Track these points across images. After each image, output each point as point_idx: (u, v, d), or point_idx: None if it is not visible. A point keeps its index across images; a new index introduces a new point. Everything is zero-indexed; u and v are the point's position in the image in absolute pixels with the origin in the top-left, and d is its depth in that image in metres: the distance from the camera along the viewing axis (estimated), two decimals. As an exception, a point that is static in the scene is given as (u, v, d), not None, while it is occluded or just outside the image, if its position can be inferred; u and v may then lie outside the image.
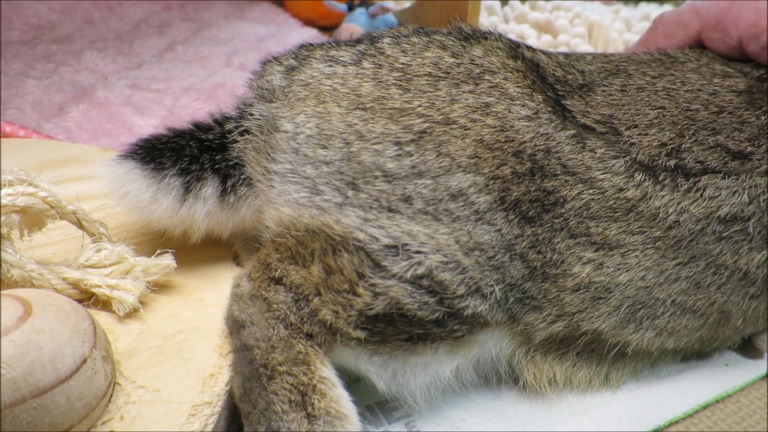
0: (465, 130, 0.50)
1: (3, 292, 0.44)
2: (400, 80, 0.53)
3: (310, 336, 0.47)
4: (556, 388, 0.55)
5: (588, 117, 0.54)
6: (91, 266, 0.55)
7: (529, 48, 0.61)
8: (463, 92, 0.53)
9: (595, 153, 0.52)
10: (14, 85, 1.14)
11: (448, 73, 0.54)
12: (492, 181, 0.49)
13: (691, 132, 0.54)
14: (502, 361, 0.55)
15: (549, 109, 0.54)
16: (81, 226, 0.56)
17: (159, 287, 0.56)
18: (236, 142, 0.56)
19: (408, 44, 0.57)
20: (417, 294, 0.46)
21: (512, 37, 0.64)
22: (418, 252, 0.47)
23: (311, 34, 1.54)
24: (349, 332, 0.46)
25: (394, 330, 0.47)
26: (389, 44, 0.58)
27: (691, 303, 0.53)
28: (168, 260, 0.56)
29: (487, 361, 0.54)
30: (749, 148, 0.54)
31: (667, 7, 1.78)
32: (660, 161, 0.52)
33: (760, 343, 0.63)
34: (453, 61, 0.55)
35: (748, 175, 0.53)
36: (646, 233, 0.52)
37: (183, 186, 0.54)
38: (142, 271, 0.55)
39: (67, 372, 0.41)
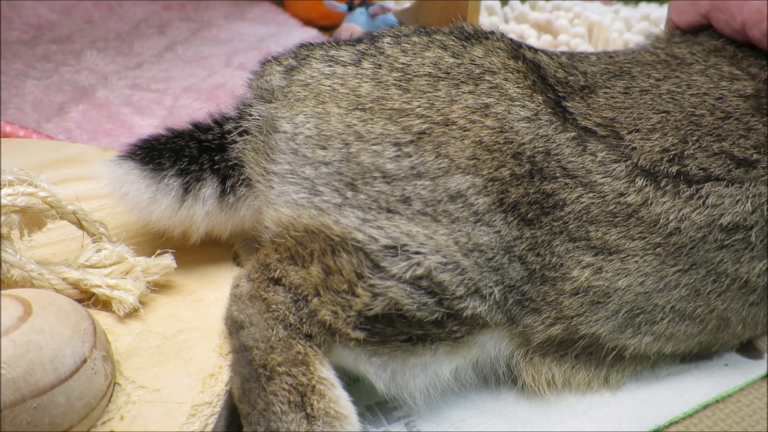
0: (464, 131, 0.50)
1: (3, 292, 0.44)
2: (399, 80, 0.53)
3: (309, 336, 0.47)
4: (555, 389, 0.55)
5: (589, 120, 0.54)
6: (91, 266, 0.55)
7: (530, 48, 0.61)
8: (463, 93, 0.52)
9: (596, 156, 0.52)
10: (14, 85, 1.14)
11: (448, 73, 0.54)
12: (491, 183, 0.49)
13: (695, 138, 0.53)
14: (501, 363, 0.55)
15: (549, 110, 0.53)
16: (81, 226, 0.56)
17: (159, 287, 0.57)
18: (235, 142, 0.56)
19: (408, 44, 0.57)
20: (416, 295, 0.46)
21: (512, 37, 0.64)
22: (417, 253, 0.47)
23: (311, 34, 1.54)
24: (348, 333, 0.46)
25: (393, 331, 0.47)
26: (389, 44, 0.57)
27: (691, 310, 0.53)
28: (168, 260, 0.56)
29: (486, 362, 0.54)
30: (755, 156, 0.53)
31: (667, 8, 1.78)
32: (662, 167, 0.52)
33: (760, 344, 0.63)
34: (453, 61, 0.55)
35: (752, 184, 0.53)
36: (647, 239, 0.51)
37: (182, 186, 0.54)
38: (142, 271, 0.55)
39: (67, 372, 0.41)
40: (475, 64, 0.55)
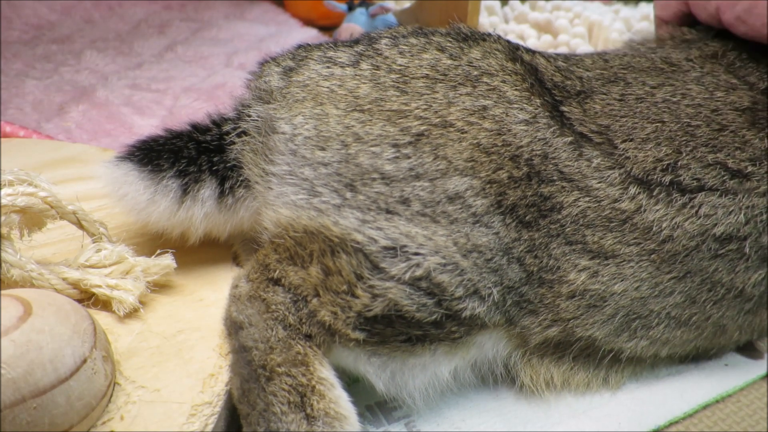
0: (462, 133, 0.50)
1: (3, 292, 0.44)
2: (397, 82, 0.53)
3: (308, 337, 0.47)
4: (554, 390, 0.55)
5: (585, 126, 0.54)
6: (91, 266, 0.55)
7: (528, 51, 0.61)
8: (461, 95, 0.52)
9: (591, 162, 0.52)
10: (14, 85, 1.14)
11: (446, 75, 0.54)
12: (489, 185, 0.49)
13: (689, 149, 0.53)
14: (499, 363, 0.55)
15: (547, 113, 0.53)
16: (81, 226, 0.56)
17: (159, 287, 0.57)
18: (234, 143, 0.56)
19: (406, 45, 0.57)
20: (415, 295, 0.46)
21: (512, 37, 0.64)
22: (417, 253, 0.47)
23: (311, 34, 1.54)
24: (348, 333, 0.46)
25: (393, 331, 0.47)
26: (387, 45, 0.57)
27: (686, 317, 0.53)
28: (168, 260, 0.56)
29: (484, 362, 0.54)
30: (750, 168, 0.53)
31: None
32: (655, 176, 0.52)
33: (760, 344, 0.63)
34: (451, 63, 0.55)
35: (746, 195, 0.53)
36: (641, 245, 0.51)
37: (181, 188, 0.54)
38: (142, 271, 0.55)
39: (67, 372, 0.41)
40: (473, 66, 0.55)
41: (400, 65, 0.55)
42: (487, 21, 1.61)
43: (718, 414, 0.57)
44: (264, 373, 0.45)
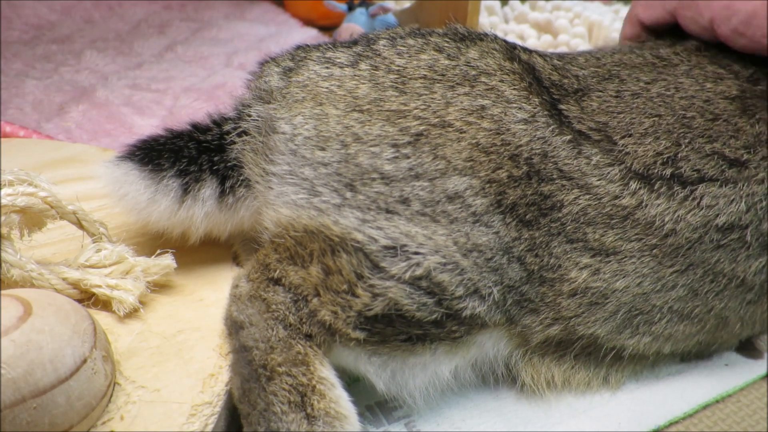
0: (461, 132, 0.50)
1: (3, 292, 0.44)
2: (396, 82, 0.53)
3: (309, 336, 0.47)
4: (555, 389, 0.55)
5: (583, 124, 0.54)
6: (91, 266, 0.55)
7: (525, 50, 0.61)
8: (459, 95, 0.52)
9: (591, 160, 0.52)
10: (14, 85, 1.14)
11: (444, 75, 0.54)
12: (488, 184, 0.49)
13: (687, 140, 0.54)
14: (500, 362, 0.55)
15: (546, 112, 0.54)
16: (81, 226, 0.56)
17: (159, 287, 0.57)
18: (234, 143, 0.56)
19: (404, 46, 0.57)
20: (415, 295, 0.46)
21: (512, 37, 0.64)
22: (417, 253, 0.47)
23: (311, 35, 1.54)
24: (348, 333, 0.46)
25: (393, 330, 0.47)
26: (385, 46, 0.57)
27: (689, 310, 0.53)
28: (168, 260, 0.56)
29: (485, 361, 0.54)
30: (745, 156, 0.54)
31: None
32: (655, 170, 0.52)
33: (760, 343, 0.63)
34: (448, 63, 0.55)
35: (745, 183, 0.53)
36: (643, 241, 0.51)
37: (181, 187, 0.54)
38: (142, 271, 0.55)
39: (67, 372, 0.41)
40: (471, 66, 0.55)
41: (399, 66, 0.55)
42: (487, 21, 1.61)
43: (718, 414, 0.57)
44: (264, 372, 0.45)
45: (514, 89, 0.54)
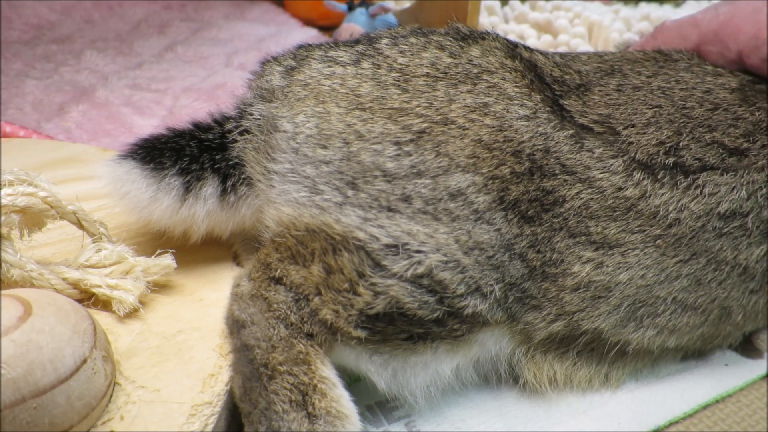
0: (463, 130, 0.50)
1: (3, 292, 0.44)
2: (398, 80, 0.53)
3: (310, 335, 0.47)
4: (556, 387, 0.55)
5: (586, 117, 0.54)
6: (91, 266, 0.55)
7: (526, 48, 0.61)
8: (461, 92, 0.53)
9: (593, 153, 0.52)
10: (14, 85, 1.14)
11: (446, 73, 0.54)
12: (491, 181, 0.49)
13: (688, 130, 0.54)
14: (502, 360, 0.55)
15: (547, 108, 0.54)
16: (81, 226, 0.56)
17: (159, 287, 0.56)
18: (236, 141, 0.56)
19: (406, 45, 0.57)
20: (417, 293, 0.46)
21: (512, 37, 0.64)
22: (418, 251, 0.47)
23: (311, 34, 1.54)
24: (350, 331, 0.46)
25: (395, 329, 0.47)
26: (387, 45, 0.58)
27: (692, 300, 0.54)
28: (168, 260, 0.56)
29: (487, 360, 0.54)
30: (745, 144, 0.54)
31: (667, 8, 1.78)
32: (658, 159, 0.53)
33: (760, 343, 0.63)
34: (451, 61, 0.55)
35: (746, 171, 0.53)
36: (646, 232, 0.52)
37: (183, 186, 0.54)
38: (142, 271, 0.55)
39: (67, 372, 0.41)
40: (473, 64, 0.55)
41: (401, 64, 0.55)
42: (487, 21, 1.61)
43: (718, 414, 0.57)
44: (266, 371, 0.45)
45: (516, 86, 0.54)
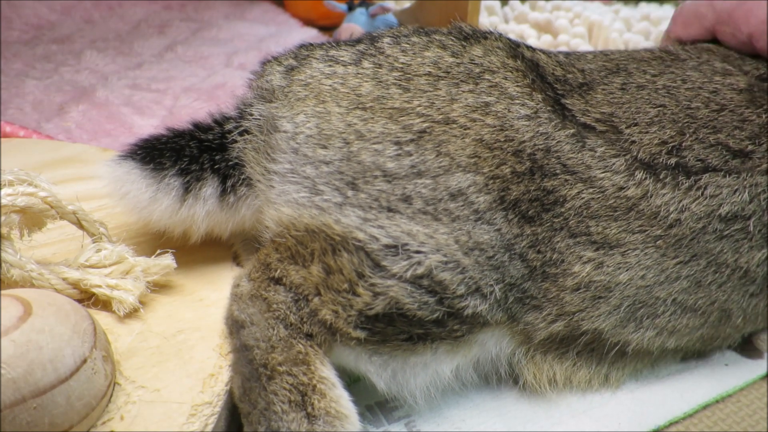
0: (465, 129, 0.50)
1: (3, 292, 0.44)
2: (399, 80, 0.53)
3: (309, 336, 0.47)
4: (556, 387, 0.55)
5: (588, 116, 0.54)
6: (91, 266, 0.55)
7: (528, 47, 0.61)
8: (463, 92, 0.53)
9: (595, 152, 0.52)
10: (14, 85, 1.14)
11: (448, 72, 0.54)
12: (491, 181, 0.49)
13: (691, 130, 0.54)
14: (502, 361, 0.55)
15: (549, 108, 0.54)
16: (81, 226, 0.56)
17: (159, 287, 0.57)
18: (236, 142, 0.56)
19: (408, 44, 0.57)
20: (417, 294, 0.46)
21: (512, 37, 0.64)
22: (418, 252, 0.47)
23: (311, 34, 1.54)
24: (349, 332, 0.46)
25: (394, 330, 0.47)
26: (389, 44, 0.58)
27: (692, 302, 0.53)
28: (168, 260, 0.56)
29: (487, 360, 0.54)
30: (750, 147, 0.54)
31: (667, 8, 1.78)
32: (661, 159, 0.52)
33: (760, 343, 0.63)
34: (453, 60, 0.55)
35: (749, 174, 0.53)
36: (647, 232, 0.51)
37: (183, 186, 0.54)
38: (142, 271, 0.55)
39: (67, 372, 0.41)
40: (475, 64, 0.55)
41: (402, 63, 0.55)
42: (487, 21, 1.61)
43: (718, 414, 0.57)
44: (265, 372, 0.45)
45: (518, 86, 0.54)
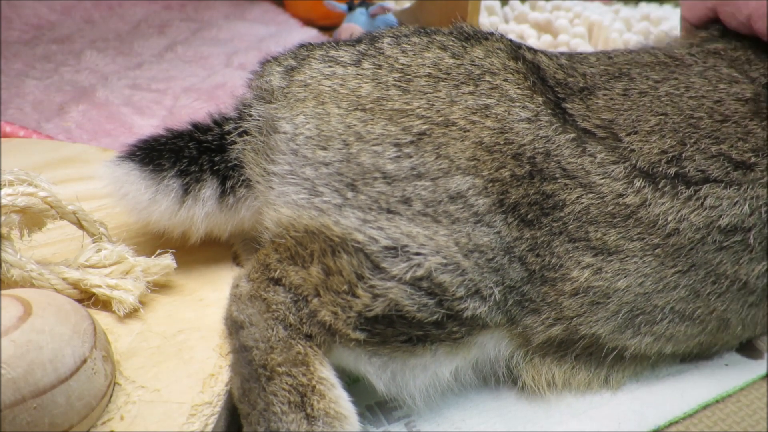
0: (464, 132, 0.50)
1: (3, 292, 0.44)
2: (399, 81, 0.53)
3: (309, 337, 0.47)
4: (555, 390, 0.55)
5: (588, 121, 0.54)
6: (91, 266, 0.55)
7: (530, 49, 0.61)
8: (463, 93, 0.52)
9: (595, 158, 0.52)
10: (14, 85, 1.14)
11: (448, 74, 0.54)
12: (491, 184, 0.49)
13: (693, 140, 0.53)
14: (501, 363, 0.55)
15: (549, 111, 0.54)
16: (81, 226, 0.56)
17: (159, 287, 0.57)
18: (235, 143, 0.56)
19: (408, 44, 0.57)
20: (416, 296, 0.46)
21: (512, 37, 0.64)
22: (418, 253, 0.47)
23: (311, 34, 1.54)
24: (349, 333, 0.46)
25: (394, 331, 0.47)
26: (389, 44, 0.57)
27: (690, 311, 0.53)
28: (168, 260, 0.56)
29: (485, 362, 0.54)
30: (753, 159, 0.54)
31: (667, 8, 1.78)
32: (660, 168, 0.52)
33: (760, 344, 0.63)
34: (453, 62, 0.55)
35: (750, 186, 0.53)
36: (645, 240, 0.51)
37: (182, 187, 0.54)
38: (142, 271, 0.55)
39: (67, 372, 0.41)
40: (475, 65, 0.55)
41: (402, 64, 0.55)
42: (487, 21, 1.61)
43: (718, 414, 0.57)
44: (264, 372, 0.45)
45: (518, 88, 0.54)
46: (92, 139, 0.98)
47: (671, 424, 0.55)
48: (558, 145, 0.52)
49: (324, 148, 0.51)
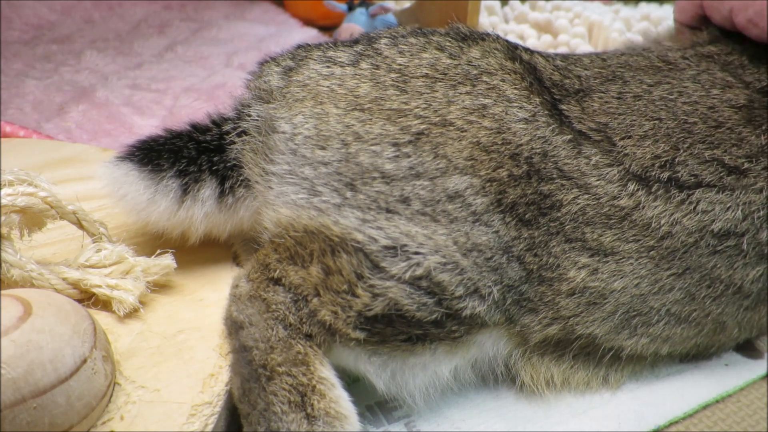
0: (462, 132, 0.50)
1: (3, 292, 0.44)
2: (397, 81, 0.53)
3: (309, 336, 0.47)
4: (554, 389, 0.55)
5: (583, 123, 0.54)
6: (91, 266, 0.55)
7: (526, 50, 0.61)
8: (461, 94, 0.53)
9: (590, 160, 0.52)
10: (14, 85, 1.14)
11: (446, 74, 0.54)
12: (488, 183, 0.49)
13: (686, 145, 0.54)
14: (499, 362, 0.55)
15: (546, 112, 0.54)
16: (81, 226, 0.56)
17: (159, 287, 0.57)
18: (234, 143, 0.57)
19: (405, 45, 0.57)
20: (416, 295, 0.46)
21: (512, 37, 0.64)
22: (417, 253, 0.47)
23: (311, 34, 1.54)
24: (348, 333, 0.46)
25: (393, 331, 0.47)
26: (387, 45, 0.58)
27: (686, 313, 0.54)
28: (168, 260, 0.56)
29: (484, 361, 0.54)
30: (746, 165, 0.54)
31: (667, 8, 1.78)
32: (653, 173, 0.53)
33: (760, 344, 0.63)
34: (450, 62, 0.55)
35: (743, 191, 0.53)
36: (640, 242, 0.52)
37: (181, 188, 0.54)
38: (142, 271, 0.55)
39: (67, 372, 0.41)
40: (473, 65, 0.55)
41: (400, 64, 0.55)
42: (487, 21, 1.61)
43: (718, 414, 0.57)
44: (264, 372, 0.45)
45: (515, 89, 0.54)
46: (92, 139, 0.98)
47: (671, 424, 0.56)
48: (555, 146, 0.52)
49: (323, 148, 0.51)
